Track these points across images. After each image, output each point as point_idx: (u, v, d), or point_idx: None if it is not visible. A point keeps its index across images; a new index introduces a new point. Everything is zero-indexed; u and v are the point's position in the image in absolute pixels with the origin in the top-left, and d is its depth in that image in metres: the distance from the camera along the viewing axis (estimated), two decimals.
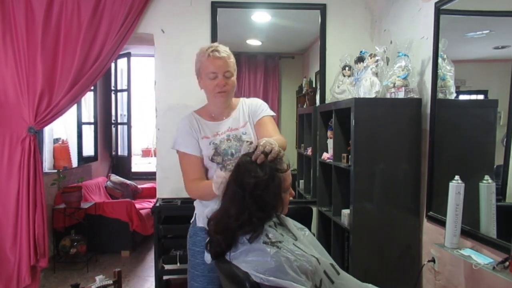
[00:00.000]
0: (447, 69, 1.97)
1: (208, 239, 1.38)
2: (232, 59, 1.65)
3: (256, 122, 1.71)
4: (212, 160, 1.63)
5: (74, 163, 4.35)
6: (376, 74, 2.21)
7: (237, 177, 1.30)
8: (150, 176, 5.47)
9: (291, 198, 1.39)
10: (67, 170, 4.00)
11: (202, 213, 1.65)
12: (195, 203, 1.74)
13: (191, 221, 1.76)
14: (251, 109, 1.73)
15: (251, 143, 1.61)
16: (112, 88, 5.34)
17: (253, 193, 1.26)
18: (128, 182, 5.03)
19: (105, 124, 5.29)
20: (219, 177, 1.45)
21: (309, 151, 3.04)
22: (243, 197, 1.27)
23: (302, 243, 1.35)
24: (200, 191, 1.62)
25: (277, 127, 1.74)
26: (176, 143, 1.68)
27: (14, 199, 2.62)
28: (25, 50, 2.59)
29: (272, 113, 1.74)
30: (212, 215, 1.38)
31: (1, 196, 2.63)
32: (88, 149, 4.78)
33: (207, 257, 1.40)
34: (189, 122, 1.68)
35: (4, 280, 2.62)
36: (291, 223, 1.45)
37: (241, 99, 1.78)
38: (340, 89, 2.49)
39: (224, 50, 1.63)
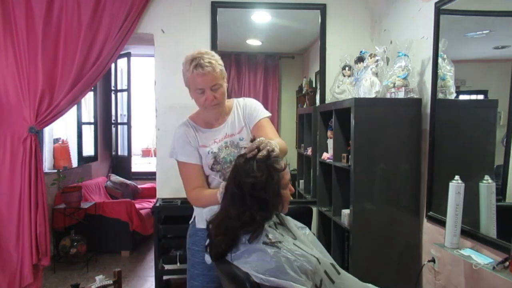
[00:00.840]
0: (447, 69, 1.97)
1: (208, 241, 1.38)
2: (219, 68, 1.55)
3: (253, 126, 1.65)
4: (212, 169, 1.61)
5: (74, 163, 4.34)
6: (376, 74, 2.22)
7: (235, 178, 1.30)
8: (150, 176, 5.47)
9: (291, 198, 1.39)
10: (67, 170, 3.99)
11: (201, 214, 1.65)
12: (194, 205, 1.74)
13: (190, 222, 1.76)
14: (246, 112, 1.68)
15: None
16: (112, 88, 5.34)
17: (253, 193, 1.25)
18: (128, 182, 5.03)
19: (105, 124, 5.29)
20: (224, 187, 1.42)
21: (309, 151, 3.04)
22: (243, 197, 1.26)
23: (302, 242, 1.35)
24: (204, 200, 1.58)
25: (275, 128, 1.70)
26: (174, 152, 1.64)
27: (17, 199, 2.63)
28: (25, 51, 2.60)
29: (268, 114, 1.69)
30: (211, 218, 1.38)
31: (4, 195, 2.64)
32: (88, 149, 4.78)
33: (207, 258, 1.40)
34: (186, 131, 1.64)
35: (8, 278, 2.64)
36: (292, 222, 1.45)
37: (234, 100, 1.72)
38: (340, 89, 2.49)
39: (209, 62, 1.51)
